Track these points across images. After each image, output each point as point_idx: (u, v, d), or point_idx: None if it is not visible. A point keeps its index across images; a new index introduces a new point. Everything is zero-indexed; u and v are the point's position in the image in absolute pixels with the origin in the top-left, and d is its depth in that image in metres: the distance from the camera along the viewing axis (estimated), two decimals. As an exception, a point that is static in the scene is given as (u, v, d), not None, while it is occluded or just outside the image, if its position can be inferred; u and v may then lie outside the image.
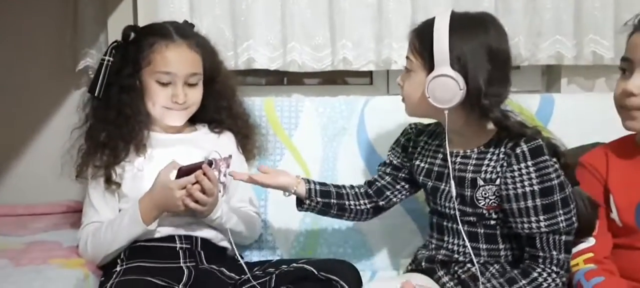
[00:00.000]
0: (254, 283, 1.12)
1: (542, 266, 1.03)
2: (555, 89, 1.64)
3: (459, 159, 1.10)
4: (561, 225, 1.02)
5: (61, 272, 1.09)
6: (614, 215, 1.07)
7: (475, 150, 1.09)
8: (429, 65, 1.04)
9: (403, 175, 1.22)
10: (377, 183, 1.23)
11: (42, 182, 1.59)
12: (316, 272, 1.11)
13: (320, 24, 1.53)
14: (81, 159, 1.22)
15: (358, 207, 1.21)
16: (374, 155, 1.41)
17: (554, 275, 1.03)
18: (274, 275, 1.13)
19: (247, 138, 1.36)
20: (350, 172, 1.40)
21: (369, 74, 1.71)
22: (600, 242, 1.07)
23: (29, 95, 1.61)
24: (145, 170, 1.20)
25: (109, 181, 1.19)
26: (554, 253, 1.03)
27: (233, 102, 1.34)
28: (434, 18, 1.06)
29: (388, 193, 1.22)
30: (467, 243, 1.07)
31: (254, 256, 1.37)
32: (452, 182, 1.07)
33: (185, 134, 1.29)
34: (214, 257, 1.21)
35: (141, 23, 1.41)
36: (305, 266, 1.13)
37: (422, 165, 1.17)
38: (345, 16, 1.51)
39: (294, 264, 1.16)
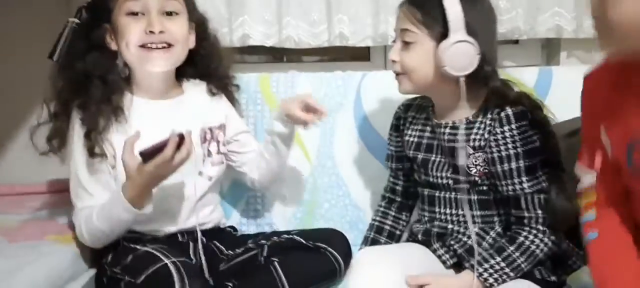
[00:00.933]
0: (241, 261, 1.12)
1: (527, 229, 1.04)
2: (554, 63, 1.63)
3: (448, 130, 1.10)
4: (544, 185, 1.03)
5: (56, 247, 1.09)
6: (607, 149, 0.90)
7: (464, 120, 1.09)
8: (438, 34, 1.02)
9: (409, 164, 1.21)
10: (396, 187, 1.24)
11: (40, 161, 1.60)
12: (304, 241, 1.12)
13: (316, -1, 1.52)
14: (54, 130, 1.12)
15: (404, 223, 1.25)
16: (370, 130, 1.40)
17: (540, 235, 1.03)
18: (266, 246, 1.14)
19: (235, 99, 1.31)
20: (347, 148, 1.40)
21: (367, 50, 1.70)
22: (601, 182, 0.90)
23: (23, 77, 1.60)
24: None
25: (92, 152, 1.09)
26: (539, 212, 1.03)
27: (223, 67, 1.27)
28: None
29: (411, 189, 1.23)
30: (467, 212, 1.07)
31: (251, 231, 1.37)
32: (462, 152, 1.05)
33: (170, 100, 1.18)
34: (214, 237, 1.21)
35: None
36: (295, 237, 1.14)
37: (411, 139, 1.17)
38: (341, -9, 1.50)
39: (285, 235, 1.17)
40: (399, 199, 1.25)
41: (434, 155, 1.12)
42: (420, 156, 1.14)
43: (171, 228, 1.16)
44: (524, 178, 1.03)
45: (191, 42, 1.18)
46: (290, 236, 1.16)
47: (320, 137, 1.41)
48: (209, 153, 1.21)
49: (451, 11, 1.00)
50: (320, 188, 1.39)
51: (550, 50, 1.66)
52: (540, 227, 1.03)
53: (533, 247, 1.03)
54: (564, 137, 1.12)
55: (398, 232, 1.24)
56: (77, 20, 1.12)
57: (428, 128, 1.15)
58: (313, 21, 1.52)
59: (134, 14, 1.10)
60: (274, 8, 1.51)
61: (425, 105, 1.17)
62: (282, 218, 1.39)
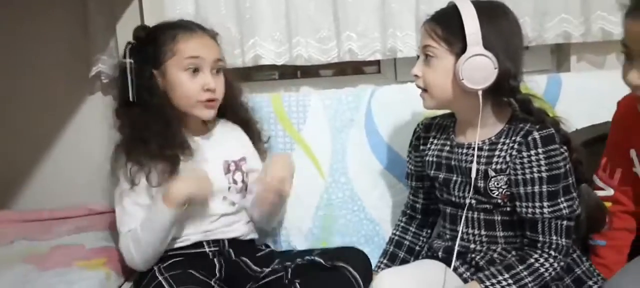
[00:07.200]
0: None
1: (539, 251, 1.05)
2: (565, 68, 1.63)
3: (470, 151, 1.11)
4: (564, 212, 1.04)
5: (84, 274, 1.14)
6: (637, 169, 1.06)
7: (487, 141, 1.10)
8: (457, 49, 1.05)
9: (429, 182, 1.23)
10: (416, 205, 1.27)
11: (63, 186, 1.66)
12: (324, 262, 1.15)
13: (324, 16, 1.54)
14: (132, 169, 1.17)
15: (424, 239, 1.27)
16: (382, 144, 1.43)
17: (551, 260, 1.04)
18: (290, 269, 1.18)
19: (258, 134, 1.37)
20: (360, 163, 1.43)
21: (377, 62, 1.72)
22: (619, 193, 1.15)
23: (46, 103, 1.66)
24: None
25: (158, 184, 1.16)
26: (554, 238, 1.05)
27: (241, 98, 1.36)
28: (451, 4, 1.07)
29: (432, 206, 1.25)
30: (460, 227, 1.08)
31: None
32: (475, 165, 1.07)
33: (210, 133, 1.29)
34: (242, 251, 1.25)
35: (149, 26, 1.44)
36: (316, 258, 1.17)
37: (432, 159, 1.18)
38: (349, 8, 1.52)
39: (308, 257, 1.20)
40: (419, 216, 1.27)
41: (455, 175, 1.14)
42: (441, 176, 1.16)
43: (198, 237, 1.21)
44: (545, 203, 1.04)
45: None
46: (312, 257, 1.18)
47: (333, 154, 1.43)
48: (235, 182, 1.27)
49: (468, 26, 1.02)
50: (335, 204, 1.42)
51: (560, 55, 1.66)
52: (552, 252, 1.04)
53: (542, 269, 1.04)
54: (578, 147, 1.13)
55: (418, 248, 1.26)
56: (131, 60, 1.20)
57: (447, 147, 1.16)
58: (322, 38, 1.55)
59: (192, 70, 1.20)
60: (284, 27, 1.54)
61: (447, 124, 1.19)
62: (298, 233, 1.42)
